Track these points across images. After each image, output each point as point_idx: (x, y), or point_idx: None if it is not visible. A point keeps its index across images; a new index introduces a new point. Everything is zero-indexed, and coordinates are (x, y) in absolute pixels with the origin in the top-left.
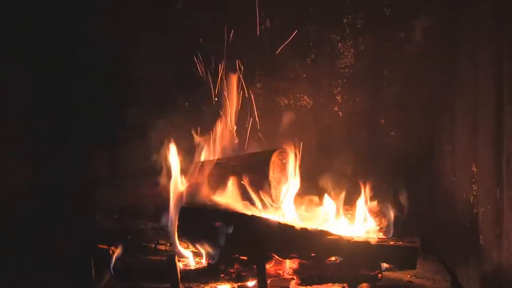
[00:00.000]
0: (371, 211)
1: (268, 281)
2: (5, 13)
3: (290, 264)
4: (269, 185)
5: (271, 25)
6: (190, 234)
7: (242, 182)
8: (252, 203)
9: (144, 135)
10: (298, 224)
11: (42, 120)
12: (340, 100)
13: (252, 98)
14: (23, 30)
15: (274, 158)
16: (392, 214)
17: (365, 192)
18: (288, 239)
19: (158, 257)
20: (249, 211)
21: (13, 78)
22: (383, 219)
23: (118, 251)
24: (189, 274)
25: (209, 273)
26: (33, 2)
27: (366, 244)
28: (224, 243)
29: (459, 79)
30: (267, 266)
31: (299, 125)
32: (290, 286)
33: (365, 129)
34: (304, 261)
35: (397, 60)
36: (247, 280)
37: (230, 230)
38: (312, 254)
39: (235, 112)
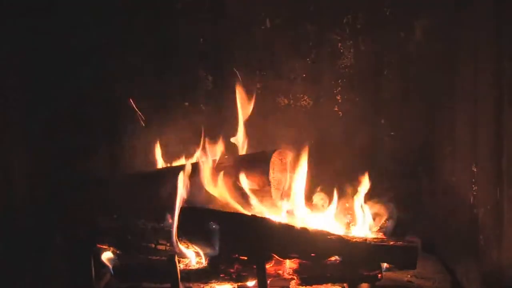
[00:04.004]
0: (371, 211)
1: (268, 281)
2: None
3: (290, 264)
4: (269, 185)
5: (271, 25)
6: (190, 234)
7: (240, 182)
8: (252, 203)
9: (144, 134)
10: (298, 224)
11: (41, 119)
12: (340, 100)
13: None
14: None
15: (274, 158)
16: (392, 214)
17: (365, 192)
18: (288, 239)
19: (158, 257)
20: (249, 211)
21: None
22: (383, 219)
23: (108, 256)
24: (189, 274)
25: (209, 273)
26: None
27: (366, 244)
28: (224, 243)
29: (459, 79)
30: (267, 266)
31: (299, 125)
32: (290, 286)
33: (365, 129)
34: (304, 261)
35: (397, 60)
36: (247, 280)
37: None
38: (312, 254)
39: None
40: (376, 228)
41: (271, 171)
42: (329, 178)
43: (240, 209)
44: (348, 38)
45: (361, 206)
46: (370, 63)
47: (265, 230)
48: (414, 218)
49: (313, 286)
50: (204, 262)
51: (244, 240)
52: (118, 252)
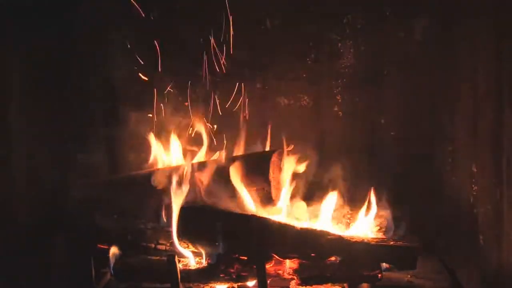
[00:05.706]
0: (371, 211)
1: (268, 281)
2: None
3: (290, 264)
4: (269, 185)
5: (271, 25)
6: (190, 234)
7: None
8: (252, 202)
9: (144, 134)
10: (298, 224)
11: (40, 118)
12: (340, 100)
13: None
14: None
15: (274, 158)
16: (392, 214)
17: (365, 192)
18: (288, 239)
19: (158, 257)
20: (249, 211)
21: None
22: (383, 219)
23: (113, 251)
24: (189, 274)
25: (209, 273)
26: None
27: (366, 244)
28: (224, 243)
29: (459, 79)
30: (267, 266)
31: (299, 125)
32: (290, 286)
33: (365, 129)
34: (304, 261)
35: (397, 60)
36: (247, 280)
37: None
38: (312, 254)
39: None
40: (376, 228)
41: (271, 171)
42: (329, 178)
43: (240, 209)
44: (348, 38)
45: (361, 206)
46: (370, 63)
47: (265, 230)
48: (414, 218)
49: (313, 286)
50: (204, 262)
51: (244, 240)
52: (118, 252)
